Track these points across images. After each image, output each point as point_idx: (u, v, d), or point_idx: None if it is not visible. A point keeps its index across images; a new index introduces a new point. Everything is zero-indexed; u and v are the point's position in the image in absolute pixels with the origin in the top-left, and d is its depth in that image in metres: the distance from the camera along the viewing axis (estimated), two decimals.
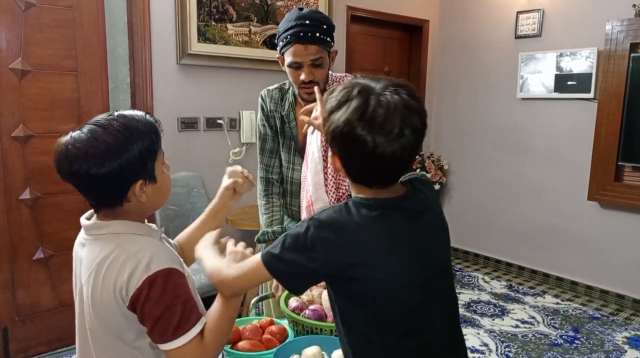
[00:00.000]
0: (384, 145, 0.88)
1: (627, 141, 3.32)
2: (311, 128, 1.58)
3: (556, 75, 3.70)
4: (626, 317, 3.36)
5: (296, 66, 1.62)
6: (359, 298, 0.94)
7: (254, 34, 3.26)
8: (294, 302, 1.45)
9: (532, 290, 3.79)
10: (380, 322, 0.95)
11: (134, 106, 2.86)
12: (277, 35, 1.68)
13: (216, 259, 1.07)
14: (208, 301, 1.10)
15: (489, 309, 3.43)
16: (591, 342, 2.97)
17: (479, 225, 4.39)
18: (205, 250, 1.13)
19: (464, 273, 4.14)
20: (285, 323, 1.40)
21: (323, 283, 1.04)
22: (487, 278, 4.04)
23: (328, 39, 1.62)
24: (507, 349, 2.86)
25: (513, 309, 3.43)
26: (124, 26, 2.84)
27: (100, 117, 0.99)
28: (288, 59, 1.63)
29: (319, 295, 1.46)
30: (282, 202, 1.88)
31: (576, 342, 2.98)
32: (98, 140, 0.94)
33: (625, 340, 3.01)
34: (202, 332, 0.98)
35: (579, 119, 3.63)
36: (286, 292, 1.48)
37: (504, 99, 4.09)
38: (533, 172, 3.96)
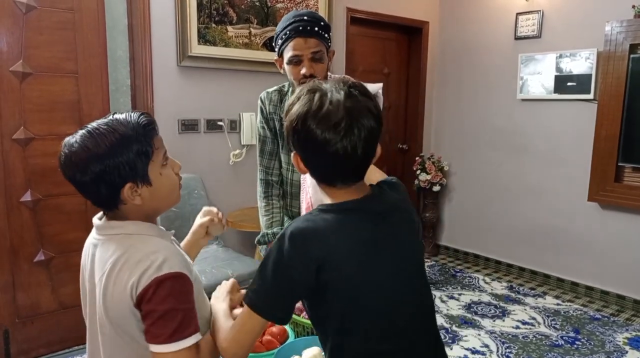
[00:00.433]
0: (334, 140, 0.91)
1: (627, 142, 3.33)
2: None
3: (556, 76, 3.70)
4: (627, 317, 3.36)
5: (296, 61, 1.63)
6: (329, 301, 0.95)
7: (254, 36, 3.26)
8: (306, 309, 1.45)
9: (532, 291, 3.79)
10: (349, 326, 0.95)
11: (134, 108, 2.87)
12: (274, 37, 1.69)
13: (222, 322, 1.04)
14: None
15: (490, 310, 3.43)
16: (592, 343, 2.97)
17: (480, 226, 4.39)
18: (215, 304, 1.12)
19: (464, 275, 4.13)
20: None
21: None
22: (487, 279, 4.04)
23: (326, 35, 1.65)
24: (507, 350, 2.86)
25: (514, 310, 3.43)
26: (124, 28, 2.85)
27: (97, 121, 1.01)
28: (288, 54, 1.63)
29: None
30: (282, 204, 1.88)
31: (577, 342, 2.98)
32: (82, 147, 0.96)
33: (626, 340, 3.01)
34: (197, 345, 0.98)
35: (579, 119, 3.63)
36: None
37: (504, 100, 4.09)
38: (533, 173, 3.97)
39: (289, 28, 1.61)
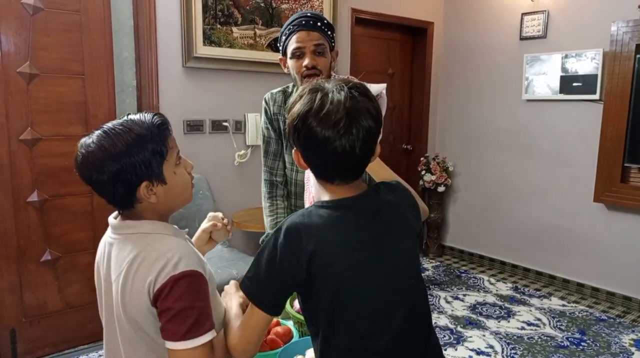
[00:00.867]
0: (333, 138, 0.94)
1: (633, 142, 3.31)
2: None
3: (561, 77, 3.69)
4: (633, 319, 3.34)
5: (299, 54, 1.65)
6: (319, 294, 0.97)
7: (259, 37, 3.28)
8: (299, 303, 1.46)
9: (538, 292, 3.77)
10: (337, 321, 0.97)
11: (140, 109, 2.88)
12: (279, 37, 1.72)
13: (232, 321, 1.08)
14: None
15: (495, 311, 3.42)
16: (598, 344, 2.96)
17: (485, 227, 4.38)
18: (227, 302, 1.17)
19: (469, 275, 4.13)
20: (290, 324, 1.41)
21: None
22: (492, 280, 4.03)
23: (329, 32, 1.68)
24: (513, 351, 2.85)
25: (519, 311, 3.42)
26: (130, 30, 2.87)
27: (112, 121, 1.03)
28: (291, 47, 1.66)
29: None
30: (286, 204, 1.88)
31: (582, 344, 2.96)
32: (99, 146, 0.97)
33: (632, 342, 2.99)
34: (212, 343, 0.99)
35: (585, 120, 3.62)
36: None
37: (509, 100, 4.08)
38: (538, 173, 3.95)
39: (292, 23, 1.66)
